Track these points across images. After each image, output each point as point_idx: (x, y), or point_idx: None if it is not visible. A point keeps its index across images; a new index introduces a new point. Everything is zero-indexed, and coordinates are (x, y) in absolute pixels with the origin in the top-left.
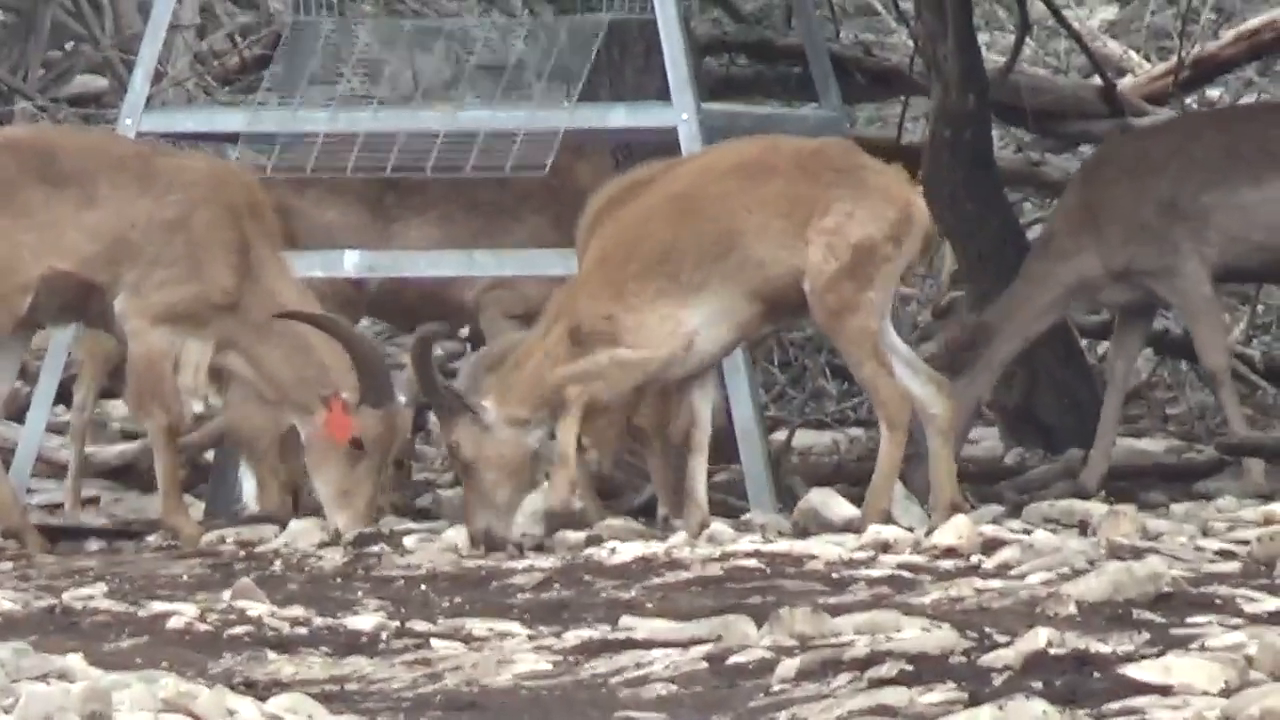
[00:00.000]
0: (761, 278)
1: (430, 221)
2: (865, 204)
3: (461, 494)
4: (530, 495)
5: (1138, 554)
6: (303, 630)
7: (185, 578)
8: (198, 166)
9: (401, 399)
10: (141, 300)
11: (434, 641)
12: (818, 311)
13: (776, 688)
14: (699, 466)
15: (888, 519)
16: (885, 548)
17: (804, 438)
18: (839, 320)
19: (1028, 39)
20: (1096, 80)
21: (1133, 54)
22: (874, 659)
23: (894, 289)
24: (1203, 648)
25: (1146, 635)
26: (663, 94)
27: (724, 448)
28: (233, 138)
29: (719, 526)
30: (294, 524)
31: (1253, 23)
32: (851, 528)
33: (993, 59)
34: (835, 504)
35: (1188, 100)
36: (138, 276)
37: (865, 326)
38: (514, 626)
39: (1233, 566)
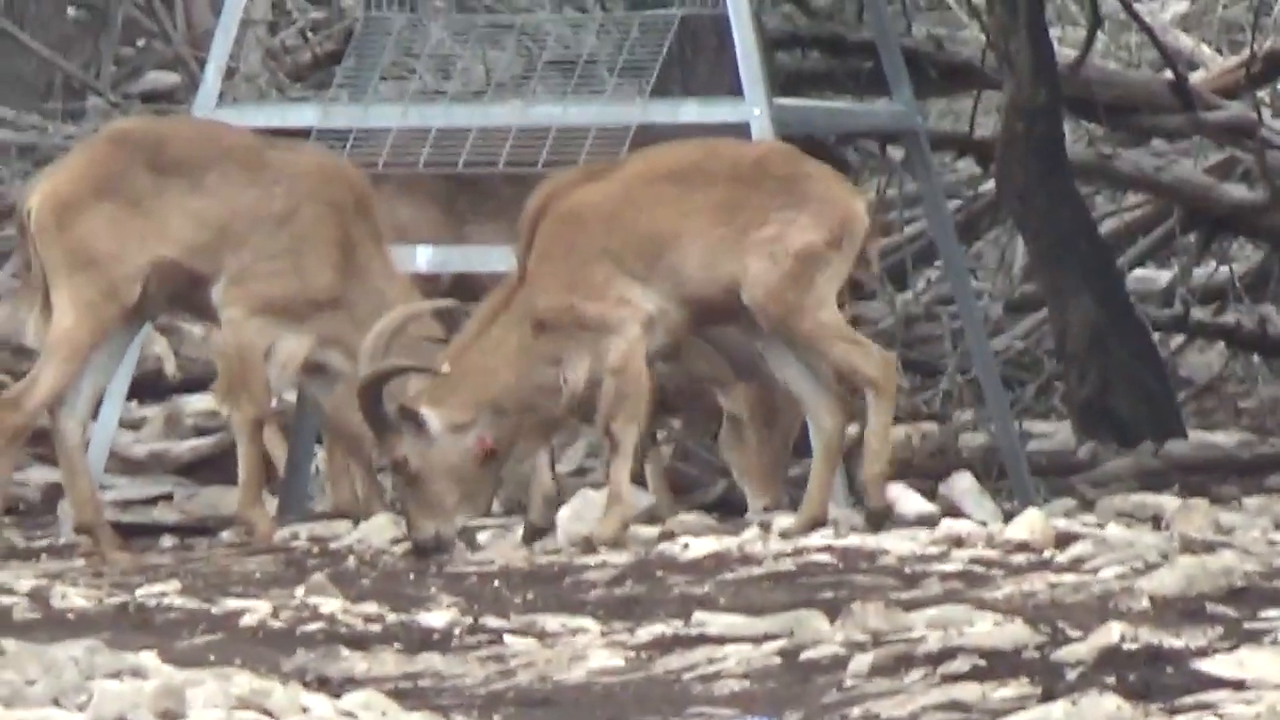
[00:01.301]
0: (695, 283)
1: (504, 227)
2: (806, 211)
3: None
4: (598, 494)
5: (1211, 548)
6: (376, 627)
7: (258, 574)
8: (307, 160)
9: None
10: (240, 290)
11: (507, 638)
12: (762, 321)
13: (849, 683)
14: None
15: (885, 485)
16: (958, 542)
17: None
18: (789, 326)
19: (1099, 33)
20: (1168, 74)
21: (1204, 47)
22: (946, 654)
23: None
24: (1275, 642)
25: (1219, 630)
26: (735, 89)
27: (797, 443)
28: (304, 133)
29: (791, 521)
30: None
31: None
32: (924, 522)
33: (1064, 53)
34: (908, 498)
35: (1259, 94)
36: (240, 267)
37: (818, 321)
38: (587, 622)
39: None
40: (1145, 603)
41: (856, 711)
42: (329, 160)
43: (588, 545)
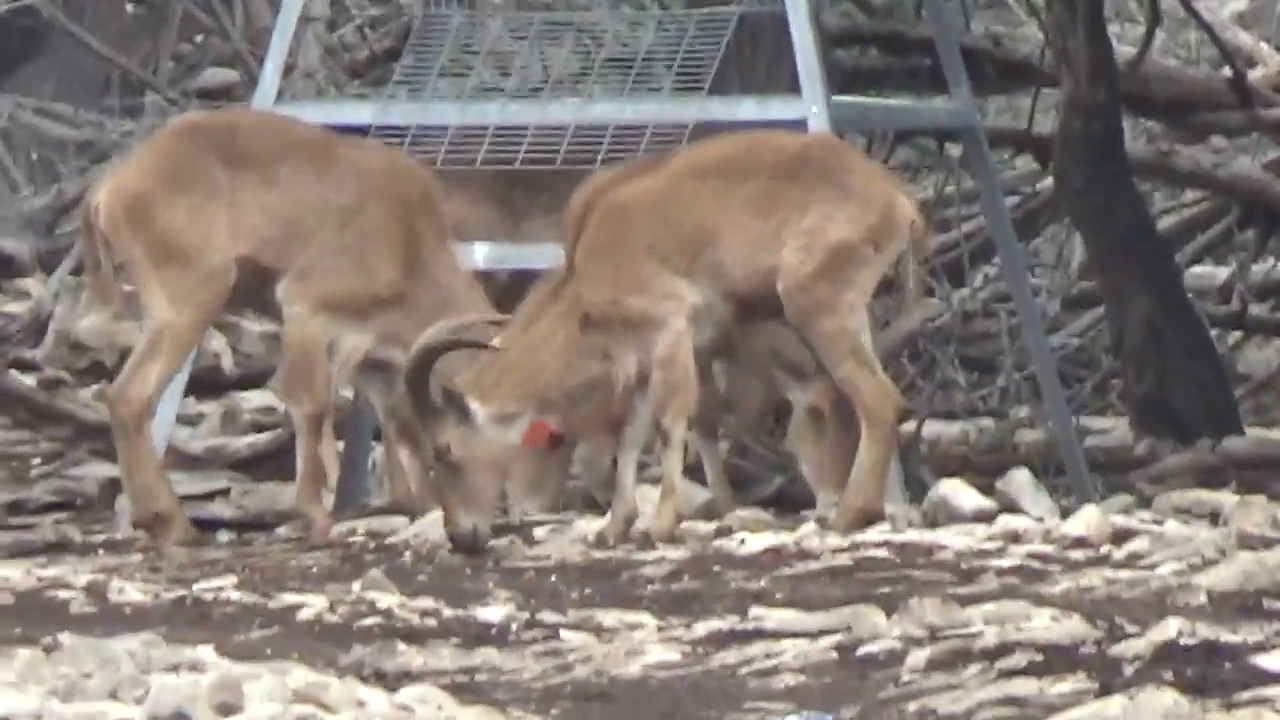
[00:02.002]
0: (737, 277)
1: (559, 222)
2: (845, 206)
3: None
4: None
5: (1268, 544)
6: (433, 621)
7: (315, 569)
8: (375, 157)
9: None
10: (305, 286)
11: (564, 632)
12: (790, 313)
13: (906, 678)
14: (629, 460)
15: (867, 520)
16: (1015, 538)
17: (933, 428)
18: (812, 321)
19: (1158, 30)
20: (1226, 71)
21: (1263, 45)
22: (1004, 649)
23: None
24: None
25: (1276, 625)
26: (793, 87)
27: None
28: (362, 130)
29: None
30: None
31: None
32: (981, 518)
33: (1123, 50)
34: (964, 494)
35: None
36: (306, 262)
37: (841, 327)
38: (644, 617)
39: None
40: (1202, 598)
41: (913, 707)
42: (396, 157)
43: (645, 540)
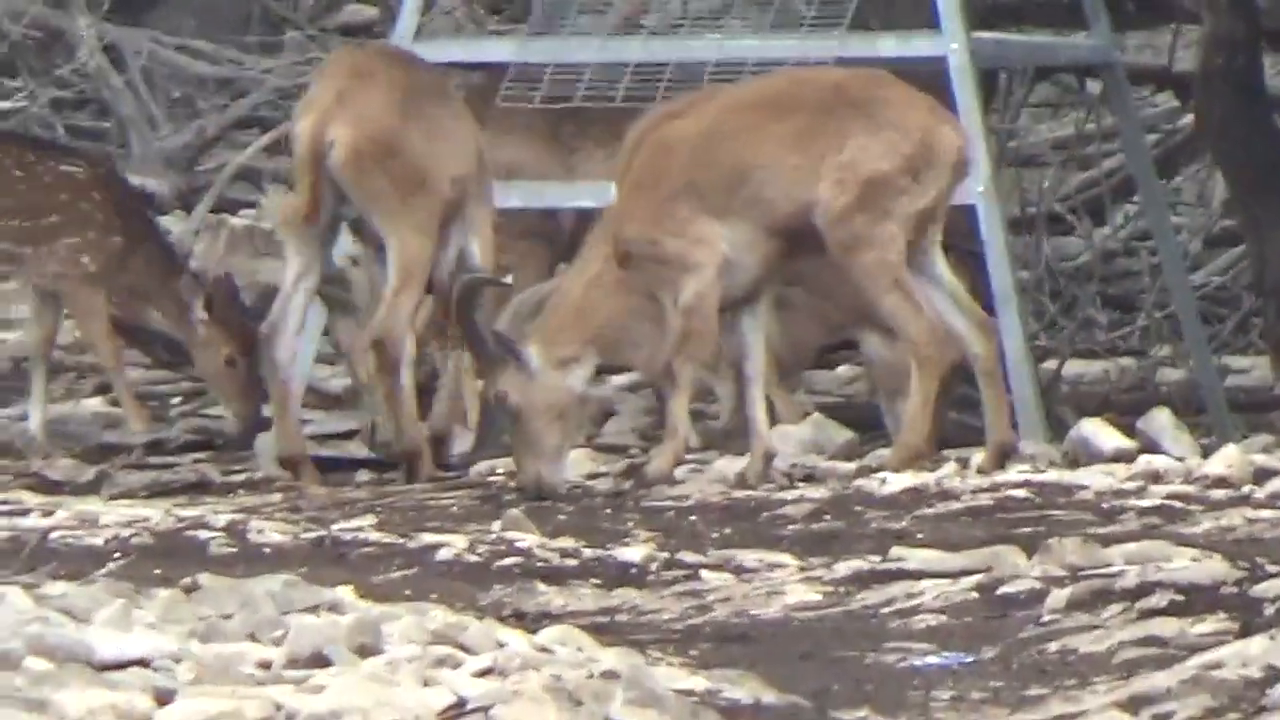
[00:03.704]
0: (776, 212)
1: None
2: (880, 137)
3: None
4: (799, 426)
5: None
6: (572, 561)
7: (454, 509)
8: None
9: None
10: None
11: (703, 573)
12: (831, 248)
13: (1046, 618)
14: (756, 396)
15: (920, 459)
16: (1155, 478)
17: (1074, 367)
18: (852, 255)
19: None
20: None
21: None
22: (1144, 589)
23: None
24: None
25: None
26: (932, 23)
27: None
28: (502, 67)
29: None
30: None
31: None
32: (1122, 458)
33: None
34: (1105, 434)
35: None
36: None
37: (882, 260)
38: (784, 558)
39: None
40: None
41: (1053, 646)
42: None
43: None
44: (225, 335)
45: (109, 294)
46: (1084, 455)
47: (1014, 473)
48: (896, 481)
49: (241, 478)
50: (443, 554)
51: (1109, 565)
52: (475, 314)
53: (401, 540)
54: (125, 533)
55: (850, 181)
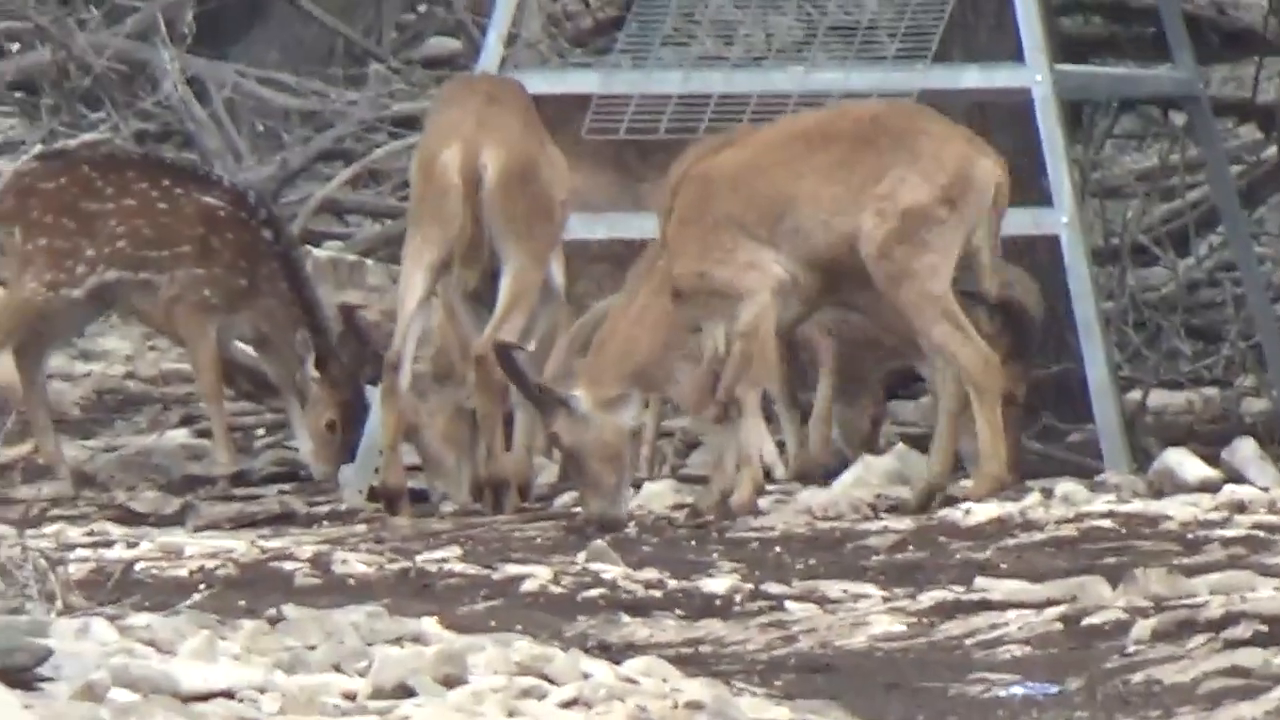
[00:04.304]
0: (816, 244)
1: None
2: (916, 169)
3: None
4: (878, 459)
5: None
6: (657, 593)
7: (539, 540)
8: None
9: None
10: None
11: (788, 604)
12: (877, 280)
13: (1131, 649)
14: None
15: (1003, 487)
16: (1240, 508)
17: (1158, 398)
18: (897, 288)
19: None
20: None
21: None
22: (1229, 620)
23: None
24: None
25: None
26: (1016, 55)
27: (1078, 408)
28: (585, 99)
29: (1073, 487)
30: (648, 486)
31: None
32: (1206, 488)
33: None
34: (1190, 464)
35: None
36: None
37: (926, 291)
38: (868, 588)
39: None
40: None
41: (1138, 677)
42: None
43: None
44: (332, 399)
45: (221, 329)
46: (1168, 485)
47: (1098, 503)
48: (980, 512)
49: (326, 509)
50: (528, 585)
51: (1193, 596)
52: (519, 368)
53: (486, 571)
54: (210, 564)
55: (890, 212)
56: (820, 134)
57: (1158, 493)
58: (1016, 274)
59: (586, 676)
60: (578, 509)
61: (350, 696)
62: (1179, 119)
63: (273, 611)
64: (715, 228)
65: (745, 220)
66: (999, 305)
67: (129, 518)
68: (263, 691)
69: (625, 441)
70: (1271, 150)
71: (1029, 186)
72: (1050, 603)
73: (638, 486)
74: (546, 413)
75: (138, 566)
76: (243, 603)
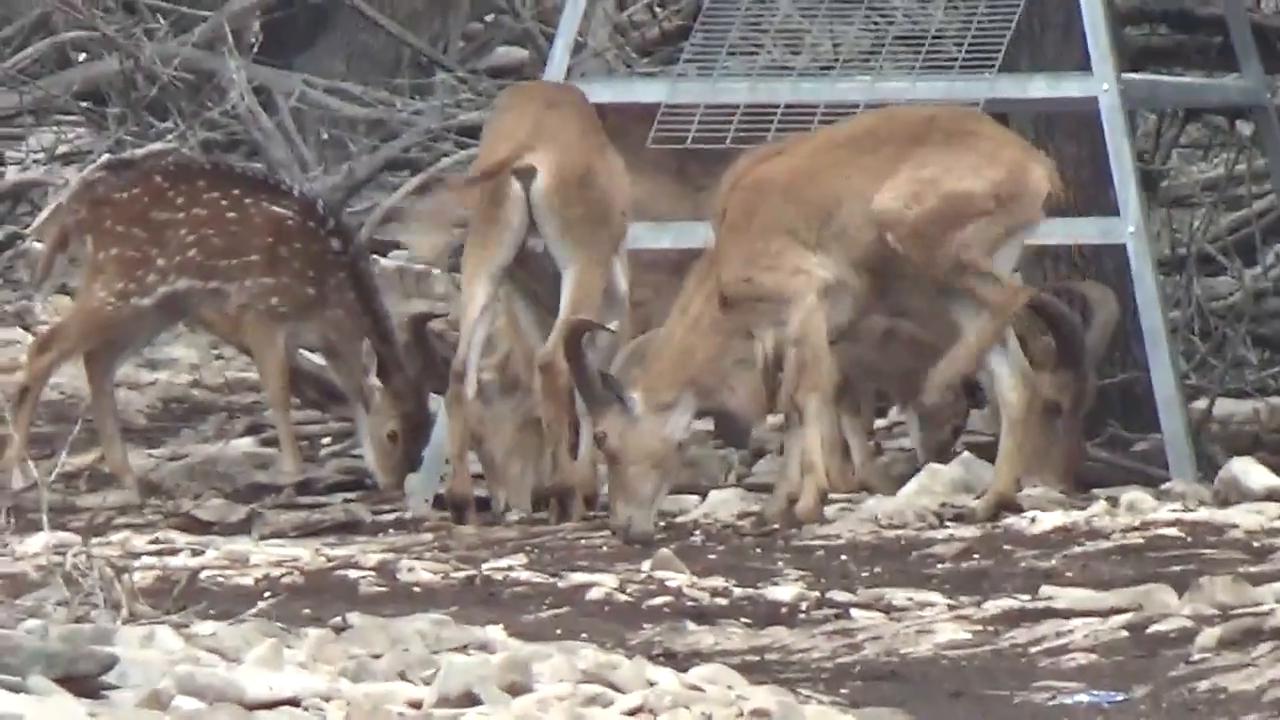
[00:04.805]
0: (863, 243)
1: None
2: (965, 160)
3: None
4: (944, 467)
5: None
6: (723, 601)
7: (604, 548)
8: None
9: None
10: None
11: (854, 611)
12: (909, 260)
13: (1197, 657)
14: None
15: (1010, 507)
16: None
17: (1224, 406)
18: (930, 259)
19: None
20: None
21: None
22: None
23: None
24: None
25: None
26: (1082, 65)
27: (1144, 416)
28: (652, 109)
29: (1139, 495)
30: (714, 494)
31: None
32: (1273, 496)
33: None
34: (1256, 473)
35: None
36: None
37: (958, 258)
38: (934, 596)
39: None
40: None
41: (1203, 685)
42: None
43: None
44: (394, 409)
45: (289, 338)
46: (1234, 494)
47: (1164, 511)
48: (1046, 520)
49: (391, 517)
50: (593, 593)
51: (1259, 604)
52: (584, 353)
53: (552, 579)
54: (275, 572)
55: (927, 194)
56: (871, 137)
57: (1223, 501)
58: (1091, 284)
59: (652, 684)
60: None
61: (416, 705)
62: (1246, 128)
63: (338, 620)
64: (763, 234)
65: (794, 226)
66: (1039, 311)
67: (194, 526)
68: (328, 700)
69: (671, 453)
70: None
71: (1096, 196)
72: (1115, 611)
73: (704, 495)
74: (597, 409)
75: (203, 574)
76: (308, 611)
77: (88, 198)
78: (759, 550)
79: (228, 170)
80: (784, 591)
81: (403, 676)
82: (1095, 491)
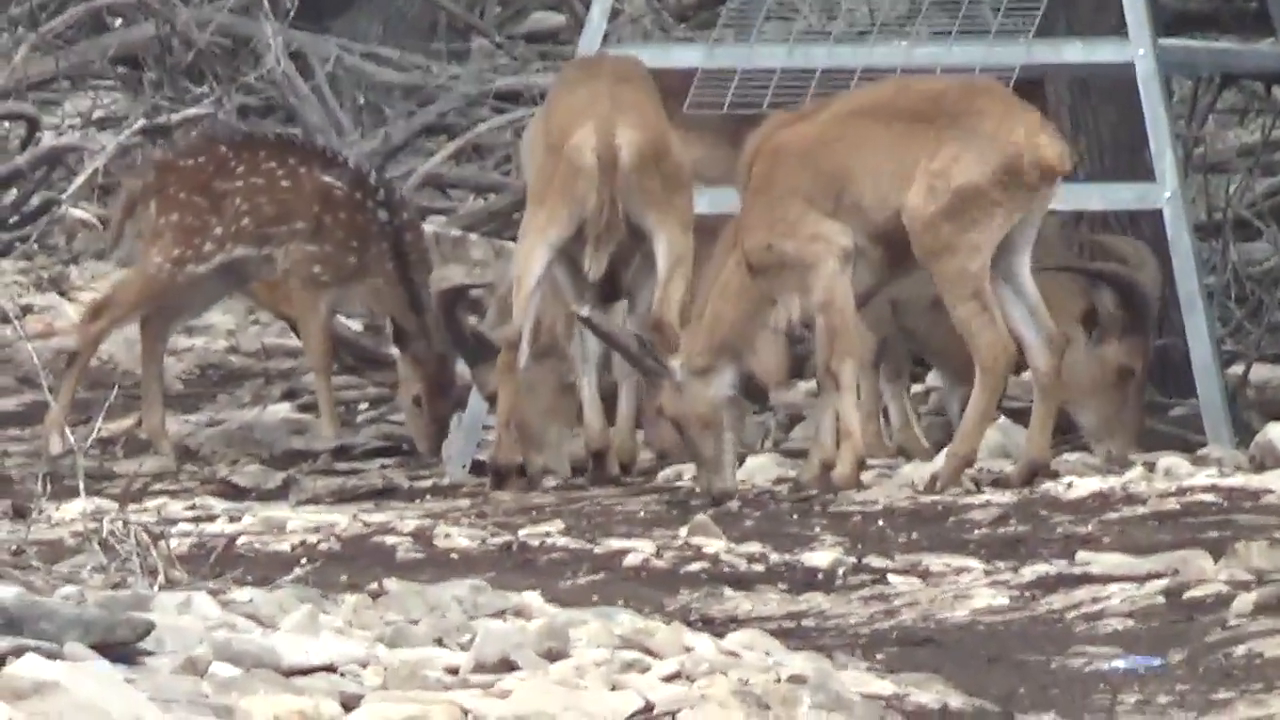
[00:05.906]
0: (874, 219)
1: None
2: (973, 148)
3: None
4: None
5: None
6: (759, 566)
7: (641, 514)
8: None
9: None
10: None
11: (890, 577)
12: (917, 252)
13: (1233, 622)
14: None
15: (968, 466)
16: None
17: (1261, 372)
18: (935, 260)
19: None
20: None
21: None
22: None
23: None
24: None
25: None
26: (1119, 29)
27: (1180, 382)
28: (689, 74)
29: (1175, 460)
30: (751, 460)
31: None
32: None
33: None
34: None
35: None
36: None
37: (964, 269)
38: (970, 562)
39: None
40: None
41: (1240, 650)
42: None
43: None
44: (417, 373)
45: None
46: (1270, 459)
47: (1200, 477)
48: (1082, 486)
49: (429, 483)
50: (630, 559)
51: None
52: (617, 335)
53: (589, 545)
54: (312, 538)
55: (940, 190)
56: (884, 109)
57: (1259, 466)
58: (1135, 248)
59: (689, 650)
60: (680, 483)
61: (453, 670)
62: None
63: (375, 586)
64: (783, 200)
65: (811, 193)
66: (1108, 280)
67: (231, 492)
68: (365, 665)
69: (719, 412)
70: None
71: (1132, 161)
72: (1152, 576)
73: (741, 460)
74: (652, 382)
75: (240, 541)
76: (345, 577)
77: (156, 165)
78: (795, 516)
79: (289, 141)
80: (821, 557)
81: (439, 643)
82: (1132, 457)
